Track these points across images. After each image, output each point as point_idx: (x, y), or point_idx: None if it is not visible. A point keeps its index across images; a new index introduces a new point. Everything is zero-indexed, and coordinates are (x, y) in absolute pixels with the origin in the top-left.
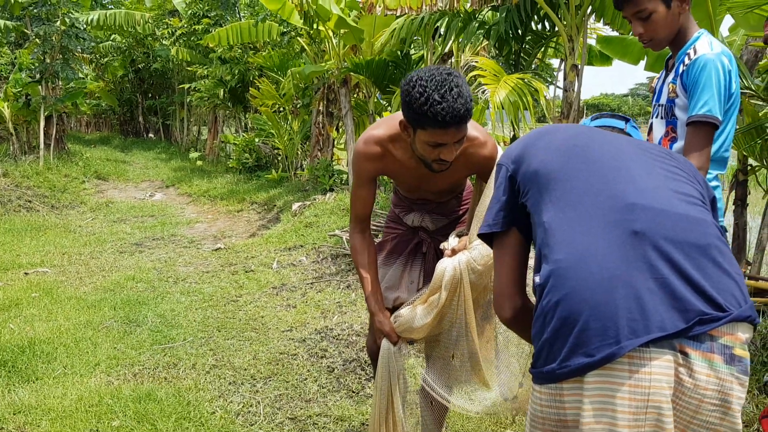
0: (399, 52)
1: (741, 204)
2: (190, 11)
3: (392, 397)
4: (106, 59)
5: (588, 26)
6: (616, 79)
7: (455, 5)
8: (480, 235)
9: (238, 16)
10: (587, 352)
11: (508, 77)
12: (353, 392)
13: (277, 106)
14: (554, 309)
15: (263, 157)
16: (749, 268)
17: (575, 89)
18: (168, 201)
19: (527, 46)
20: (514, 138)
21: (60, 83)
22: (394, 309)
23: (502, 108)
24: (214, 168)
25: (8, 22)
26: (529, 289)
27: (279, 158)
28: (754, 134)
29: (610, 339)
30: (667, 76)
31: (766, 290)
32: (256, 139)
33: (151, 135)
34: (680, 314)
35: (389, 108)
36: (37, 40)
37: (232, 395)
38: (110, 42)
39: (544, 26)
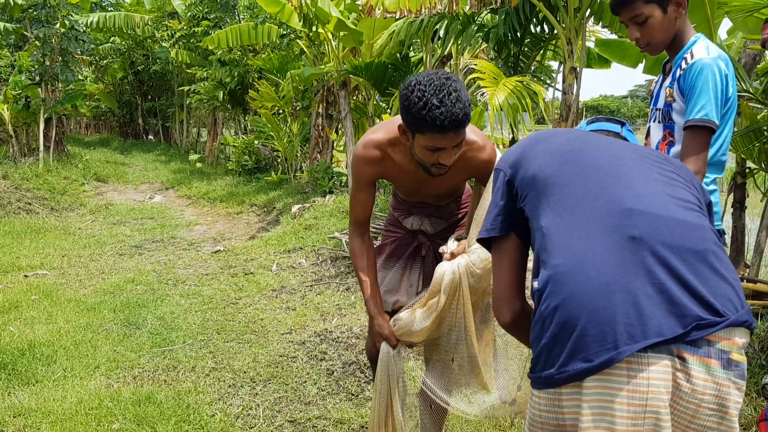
0: (398, 55)
1: (739, 207)
2: (189, 13)
3: (391, 400)
4: (105, 61)
5: (587, 29)
6: (615, 80)
7: (454, 8)
8: (479, 240)
9: (237, 18)
10: (586, 357)
11: (507, 80)
12: (353, 395)
13: (276, 108)
14: (552, 314)
15: (263, 159)
16: (747, 270)
17: (574, 92)
18: (167, 203)
19: (526, 49)
20: (513, 140)
21: (59, 85)
22: (393, 312)
23: (501, 110)
24: (214, 170)
25: (8, 25)
26: (529, 293)
27: (278, 160)
28: (752, 137)
29: (609, 344)
30: (664, 80)
31: (765, 293)
32: (256, 142)
33: (150, 137)
34: (678, 319)
35: (388, 110)
36: (36, 42)
37: (232, 398)
38: (110, 44)
39: (543, 29)
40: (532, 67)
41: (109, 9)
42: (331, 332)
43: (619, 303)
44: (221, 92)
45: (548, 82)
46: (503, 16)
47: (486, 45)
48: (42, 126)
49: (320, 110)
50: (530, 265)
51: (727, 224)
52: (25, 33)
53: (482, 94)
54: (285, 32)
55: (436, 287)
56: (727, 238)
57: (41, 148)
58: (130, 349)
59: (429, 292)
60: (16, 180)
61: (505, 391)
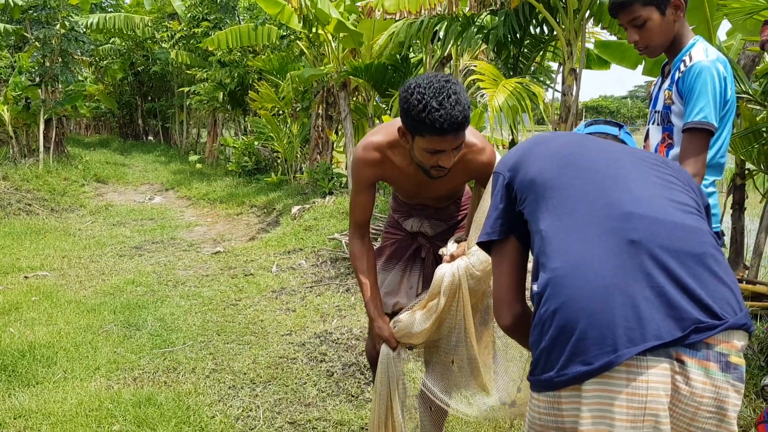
0: (398, 56)
1: (738, 208)
2: (189, 14)
3: (391, 402)
4: (105, 62)
5: (586, 30)
6: (615, 81)
7: (454, 9)
8: (479, 244)
9: (237, 19)
10: (585, 360)
11: (506, 81)
12: (352, 396)
13: (276, 109)
14: (552, 317)
15: (262, 160)
16: (747, 272)
17: (573, 93)
18: (167, 204)
19: (526, 50)
20: (512, 141)
21: (59, 86)
22: (393, 314)
23: (501, 112)
24: (214, 171)
25: (8, 26)
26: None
27: (278, 161)
28: (752, 138)
29: (608, 347)
30: (663, 82)
31: (764, 294)
32: (256, 143)
33: (150, 138)
34: (676, 322)
35: (388, 111)
36: (36, 43)
37: (232, 399)
38: (110, 45)
39: (542, 30)
40: (532, 69)
41: (109, 10)
42: (331, 333)
43: (618, 306)
44: (221, 93)
45: (548, 82)
46: (503, 18)
47: (486, 46)
48: (42, 127)
49: (320, 111)
50: (530, 266)
51: (726, 225)
52: (25, 34)
53: (482, 96)
54: (285, 33)
55: (435, 289)
56: (727, 240)
57: (41, 149)
58: (130, 351)
59: (429, 294)
60: (16, 181)
61: (505, 392)
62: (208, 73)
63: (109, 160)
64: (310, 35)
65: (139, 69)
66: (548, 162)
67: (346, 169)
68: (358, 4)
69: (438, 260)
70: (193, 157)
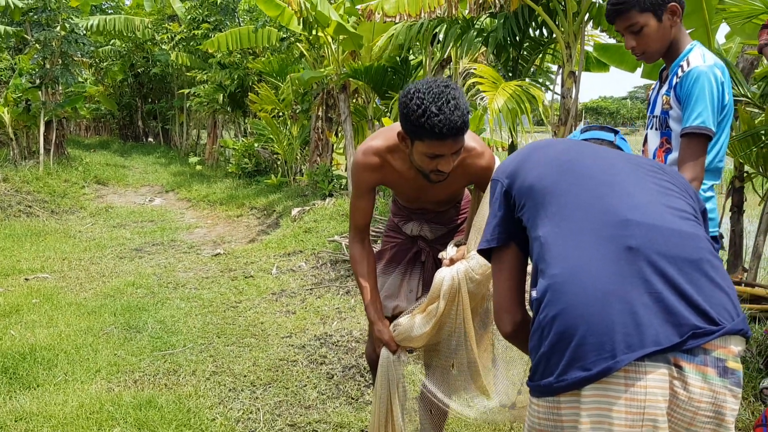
0: (398, 58)
1: (737, 211)
2: (189, 16)
3: (391, 405)
4: (105, 64)
5: (585, 33)
6: (615, 82)
7: (453, 12)
8: (479, 251)
9: (237, 21)
10: (584, 366)
11: (506, 84)
12: (352, 399)
13: (276, 111)
14: (551, 323)
15: (262, 162)
16: (745, 274)
17: (573, 95)
18: (167, 206)
19: (525, 53)
20: (512, 144)
21: (60, 88)
22: (393, 317)
23: (500, 114)
24: (214, 173)
25: (8, 28)
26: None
27: (278, 163)
28: (750, 141)
29: (606, 353)
30: (661, 87)
31: (762, 297)
32: (256, 144)
33: (150, 139)
34: (674, 328)
35: (388, 113)
36: (37, 45)
37: (232, 402)
38: (110, 47)
39: (541, 33)
40: (531, 71)
41: (109, 12)
42: (331, 336)
43: (617, 312)
44: (221, 95)
45: (547, 84)
46: (502, 21)
47: (485, 49)
48: (42, 129)
49: (320, 113)
50: (529, 268)
51: (725, 228)
52: (26, 36)
53: (482, 98)
54: (285, 35)
55: (435, 293)
56: (726, 242)
57: (41, 151)
58: (130, 353)
59: (428, 297)
60: (17, 183)
61: (505, 395)
62: (208, 74)
63: (109, 162)
64: (310, 37)
65: (139, 71)
66: (547, 168)
67: (345, 170)
68: (358, 6)
69: (438, 264)
70: (193, 159)
